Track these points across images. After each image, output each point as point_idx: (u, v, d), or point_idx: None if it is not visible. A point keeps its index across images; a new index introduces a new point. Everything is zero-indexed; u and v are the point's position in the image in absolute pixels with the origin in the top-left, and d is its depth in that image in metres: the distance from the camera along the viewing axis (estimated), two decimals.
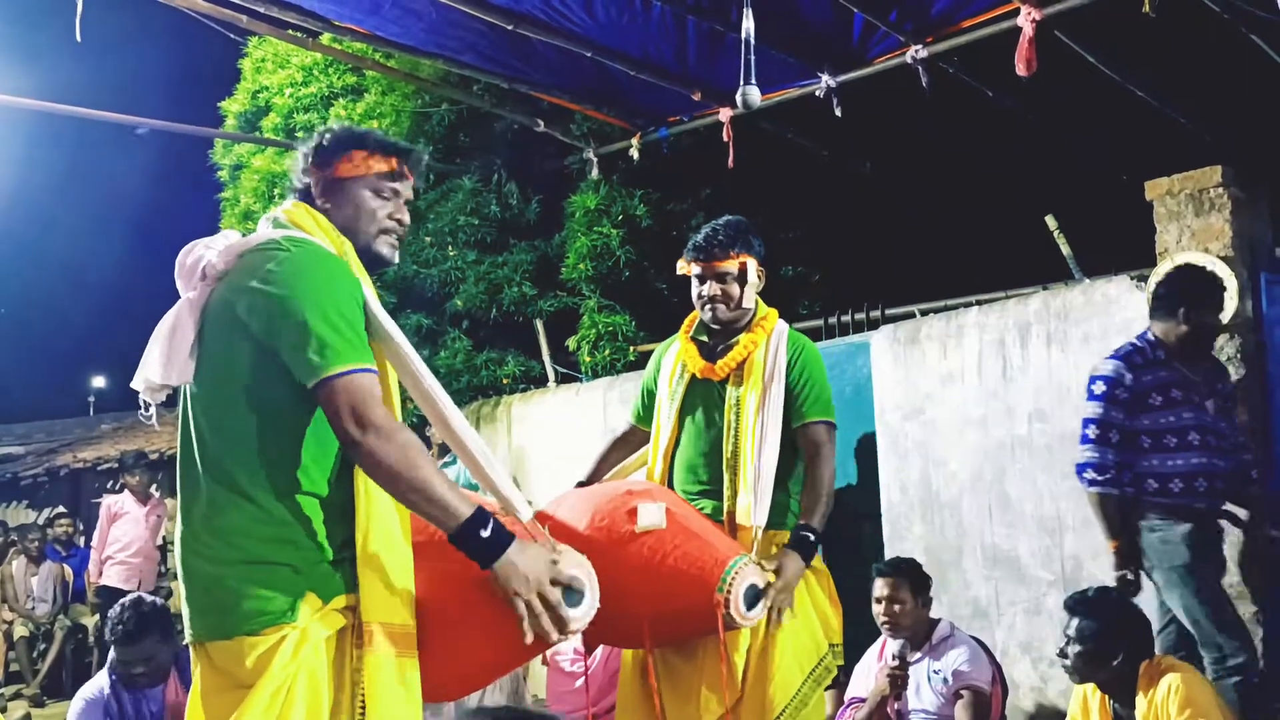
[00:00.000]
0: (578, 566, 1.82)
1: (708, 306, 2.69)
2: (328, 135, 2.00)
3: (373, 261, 1.99)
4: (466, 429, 1.90)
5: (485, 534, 1.74)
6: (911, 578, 3.57)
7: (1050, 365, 4.01)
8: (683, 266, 2.75)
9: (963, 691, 3.42)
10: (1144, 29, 4.19)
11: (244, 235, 1.92)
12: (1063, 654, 2.94)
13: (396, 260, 2.04)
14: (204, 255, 1.88)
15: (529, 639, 1.78)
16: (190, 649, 1.84)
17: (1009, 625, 4.07)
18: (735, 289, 2.66)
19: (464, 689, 2.28)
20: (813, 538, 2.48)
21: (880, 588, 3.56)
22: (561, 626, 1.78)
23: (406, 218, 2.03)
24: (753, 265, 2.68)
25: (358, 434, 1.70)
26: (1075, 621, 2.93)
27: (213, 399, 1.83)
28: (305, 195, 1.99)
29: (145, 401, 1.90)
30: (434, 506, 1.74)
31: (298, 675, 1.71)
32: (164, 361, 1.84)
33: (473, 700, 3.82)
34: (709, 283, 2.67)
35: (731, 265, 2.65)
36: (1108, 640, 2.88)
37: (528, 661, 2.34)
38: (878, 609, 3.57)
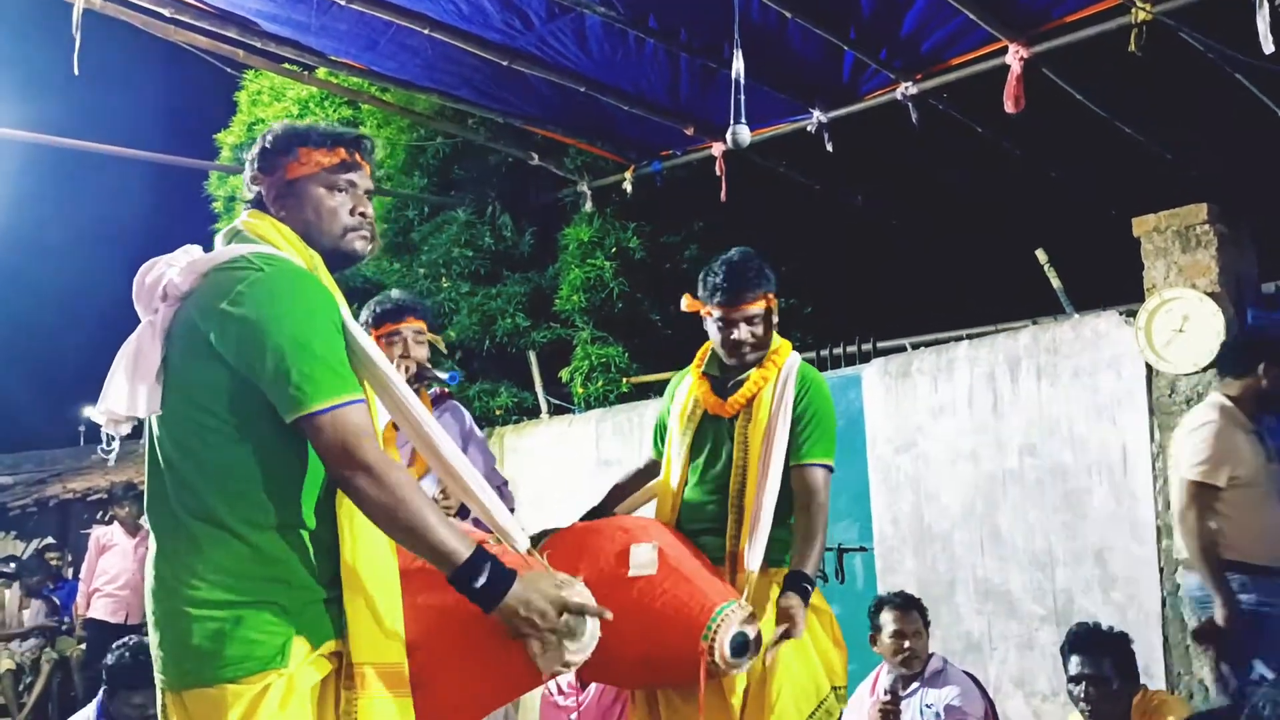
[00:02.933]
0: (580, 595, 1.79)
1: (736, 350, 2.62)
2: (269, 137, 1.86)
3: (344, 259, 1.87)
4: (456, 455, 1.82)
5: (484, 579, 1.65)
6: (920, 609, 3.59)
7: (1041, 399, 4.03)
8: (698, 307, 2.68)
9: None
10: (1130, 67, 4.26)
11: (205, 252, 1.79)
12: (1080, 696, 2.91)
13: (369, 254, 1.92)
14: (165, 273, 1.74)
15: (546, 675, 1.73)
16: (162, 696, 1.69)
17: (1001, 659, 4.06)
18: (762, 330, 2.63)
19: None
20: (809, 586, 2.44)
21: (896, 620, 3.53)
22: (575, 657, 1.74)
23: (370, 209, 1.89)
24: (774, 302, 2.66)
25: (348, 473, 1.62)
26: (1088, 660, 2.91)
27: (186, 429, 1.70)
28: (260, 204, 1.85)
29: (107, 435, 1.78)
30: (430, 549, 1.64)
31: None
32: (128, 391, 1.70)
33: None
34: (740, 326, 2.60)
35: (759, 306, 2.61)
36: (1122, 675, 2.89)
37: (523, 694, 2.31)
38: (892, 643, 3.53)
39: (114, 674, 3.11)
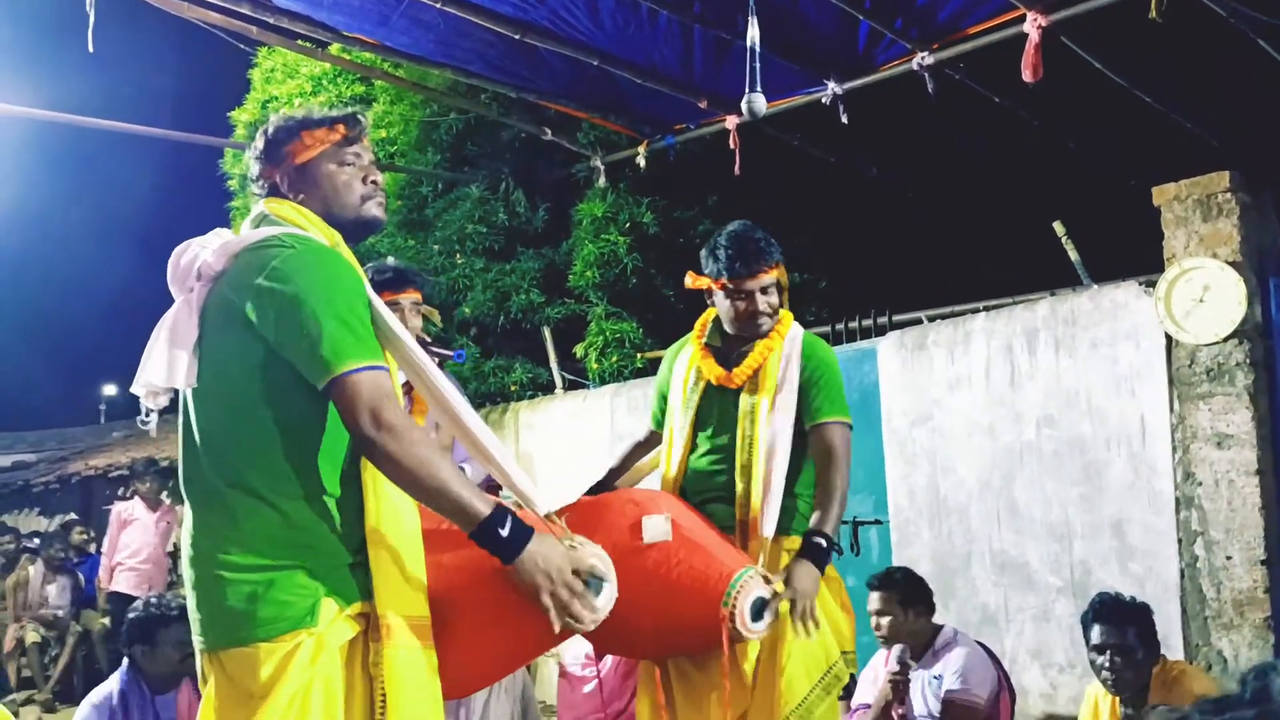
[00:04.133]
0: (596, 556, 1.83)
1: (753, 320, 2.62)
2: (270, 129, 1.95)
3: (365, 227, 1.98)
4: (478, 423, 1.88)
5: (504, 531, 1.72)
6: (901, 590, 3.53)
7: (1059, 371, 4.01)
8: (705, 283, 2.68)
9: (948, 705, 3.42)
10: (1151, 34, 4.19)
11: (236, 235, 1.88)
12: (1104, 665, 2.91)
13: (385, 219, 2.03)
14: (199, 254, 1.83)
15: (557, 629, 1.77)
16: (201, 659, 1.80)
17: (1018, 632, 4.06)
18: (777, 298, 2.65)
19: (477, 684, 2.28)
20: (825, 544, 2.44)
21: (870, 602, 3.53)
22: (587, 615, 1.78)
23: (379, 176, 1.99)
24: (782, 271, 2.68)
25: (373, 433, 1.67)
26: (1112, 630, 2.90)
27: (220, 402, 1.79)
28: (275, 192, 1.94)
29: (146, 407, 1.86)
30: (451, 505, 1.72)
31: (314, 683, 1.68)
32: (165, 365, 1.79)
33: (479, 701, 3.82)
34: (755, 297, 2.61)
35: (772, 277, 2.63)
36: (1146, 645, 2.89)
37: (540, 655, 2.34)
38: (874, 621, 3.55)
39: (131, 631, 3.23)
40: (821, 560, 2.44)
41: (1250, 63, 4.68)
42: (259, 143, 1.95)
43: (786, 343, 2.64)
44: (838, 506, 2.49)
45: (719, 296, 2.67)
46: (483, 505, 1.72)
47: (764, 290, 2.62)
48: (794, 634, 2.42)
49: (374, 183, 1.96)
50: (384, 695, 1.71)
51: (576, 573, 1.77)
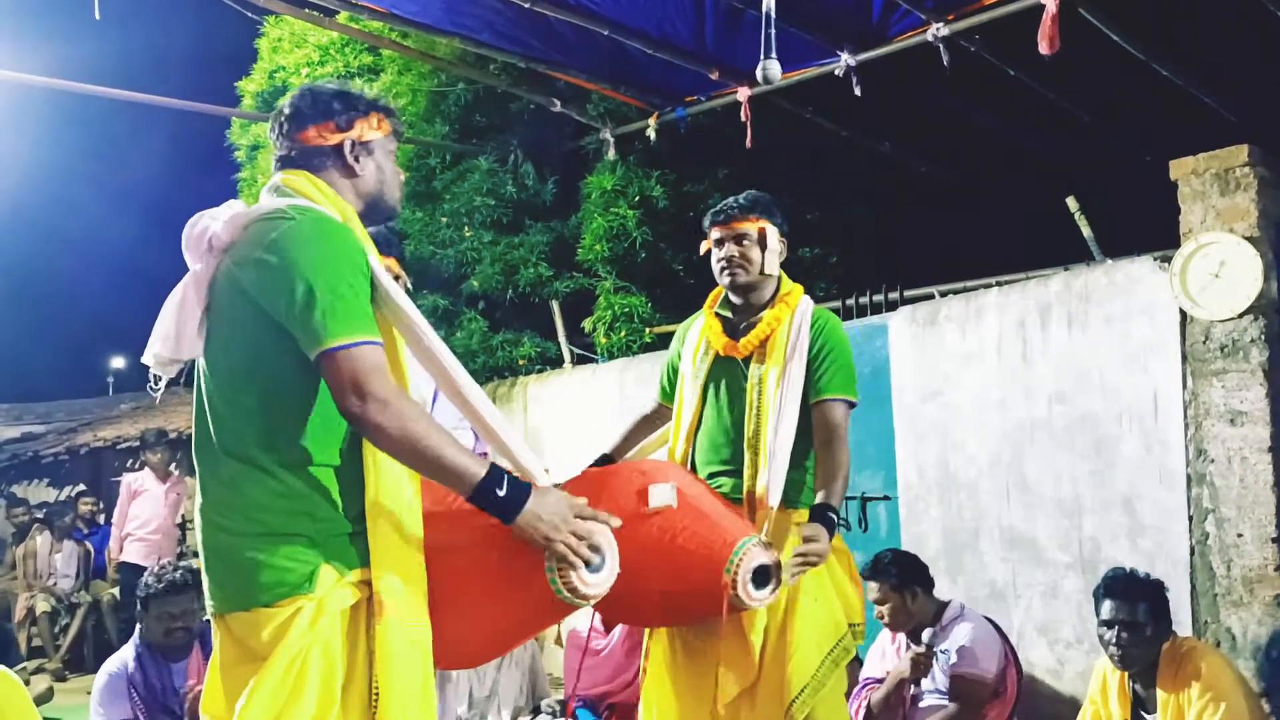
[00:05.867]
0: (599, 532, 1.82)
1: (725, 271, 2.63)
2: (342, 96, 1.95)
3: (388, 214, 2.04)
4: (481, 397, 1.89)
5: (502, 491, 1.74)
6: (895, 576, 3.53)
7: (1071, 346, 3.98)
8: (705, 243, 2.71)
9: (951, 679, 3.42)
10: (1170, 6, 4.13)
11: (249, 206, 1.89)
12: (1112, 640, 2.90)
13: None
14: (209, 226, 1.84)
15: (558, 580, 1.78)
16: (211, 621, 1.86)
17: (1026, 607, 4.06)
18: (755, 252, 2.61)
19: (480, 657, 2.30)
20: (835, 516, 2.44)
21: (868, 592, 3.50)
22: (579, 575, 1.78)
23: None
24: (773, 232, 2.63)
25: (357, 406, 1.69)
26: (1122, 605, 2.89)
27: (225, 373, 1.82)
28: (292, 162, 1.93)
29: (155, 376, 1.89)
30: (446, 472, 1.74)
31: (312, 647, 1.71)
32: (173, 335, 1.83)
33: (489, 673, 3.85)
34: (727, 245, 2.62)
35: (750, 227, 2.61)
36: (1156, 622, 2.88)
37: (543, 630, 2.34)
38: (874, 612, 3.53)
39: (155, 585, 3.31)
40: (830, 532, 2.43)
41: (1269, 36, 4.61)
42: (320, 106, 1.92)
43: (797, 314, 2.62)
44: (841, 483, 2.48)
45: (711, 255, 2.69)
46: (478, 468, 1.74)
47: (739, 239, 2.61)
48: (803, 602, 2.42)
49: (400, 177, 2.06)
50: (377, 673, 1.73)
51: (578, 517, 1.79)
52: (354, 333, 1.70)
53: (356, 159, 1.94)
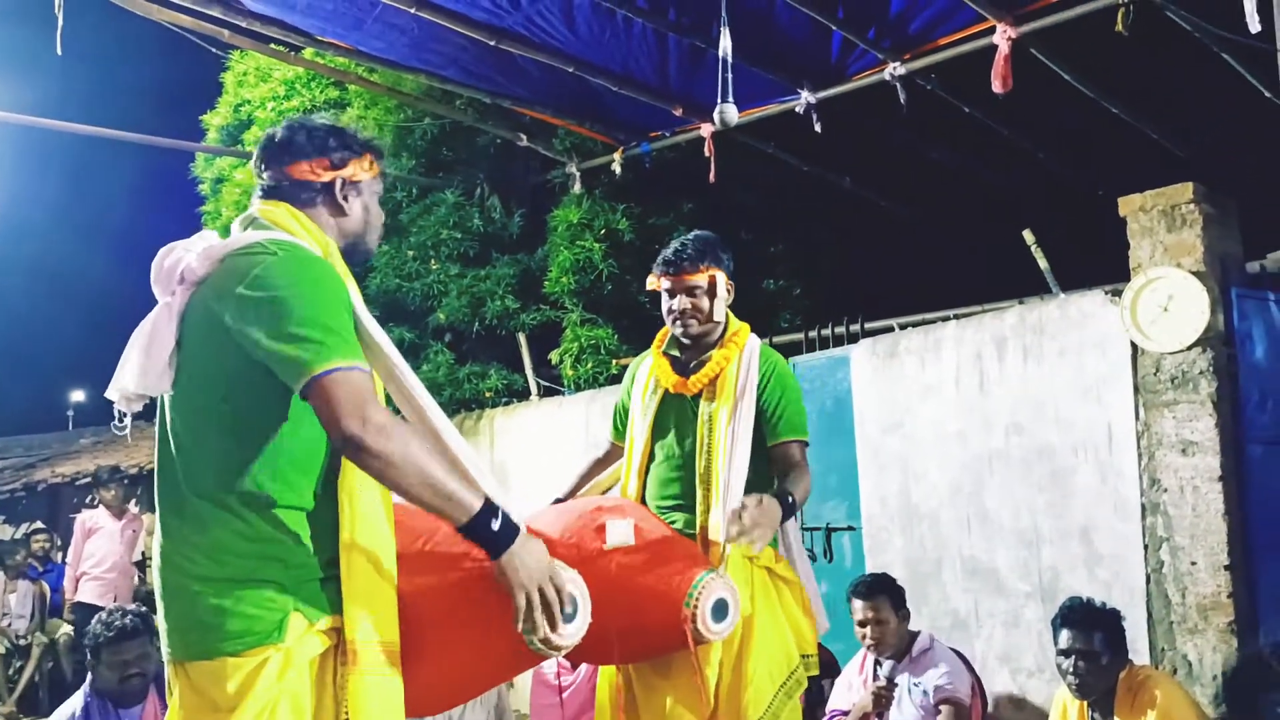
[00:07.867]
0: (573, 582, 1.82)
1: (678, 321, 2.68)
2: (338, 133, 1.91)
3: (365, 255, 2.01)
4: (457, 439, 1.85)
5: (496, 525, 1.71)
6: (890, 594, 3.58)
7: (1027, 378, 4.05)
8: (652, 282, 2.75)
9: (942, 706, 3.43)
10: (1118, 47, 4.26)
11: (222, 239, 1.83)
12: (1069, 669, 2.93)
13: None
14: (182, 258, 1.78)
15: (531, 633, 1.76)
16: (168, 668, 1.77)
17: (988, 637, 4.10)
18: (705, 302, 2.66)
19: (448, 703, 2.28)
20: (791, 500, 2.45)
21: (861, 610, 3.55)
22: (555, 628, 1.76)
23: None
24: (722, 279, 2.68)
25: (358, 430, 1.61)
26: (1079, 634, 2.92)
27: (195, 409, 1.75)
28: (274, 194, 1.88)
29: (120, 411, 1.84)
30: (444, 500, 1.68)
31: (280, 700, 1.64)
32: (141, 370, 1.76)
33: (455, 711, 3.81)
34: (679, 297, 2.67)
35: (701, 279, 2.65)
36: (1112, 651, 2.92)
37: (512, 677, 2.33)
38: (860, 631, 3.57)
39: (104, 633, 3.18)
40: (787, 512, 2.43)
41: (1214, 76, 4.77)
42: (314, 141, 1.88)
43: (745, 353, 2.67)
44: (802, 489, 2.52)
45: (661, 298, 2.73)
46: (475, 498, 1.71)
47: (689, 291, 2.66)
48: (756, 635, 2.45)
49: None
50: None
51: (557, 590, 1.76)
52: (342, 358, 1.65)
53: (345, 198, 1.91)
